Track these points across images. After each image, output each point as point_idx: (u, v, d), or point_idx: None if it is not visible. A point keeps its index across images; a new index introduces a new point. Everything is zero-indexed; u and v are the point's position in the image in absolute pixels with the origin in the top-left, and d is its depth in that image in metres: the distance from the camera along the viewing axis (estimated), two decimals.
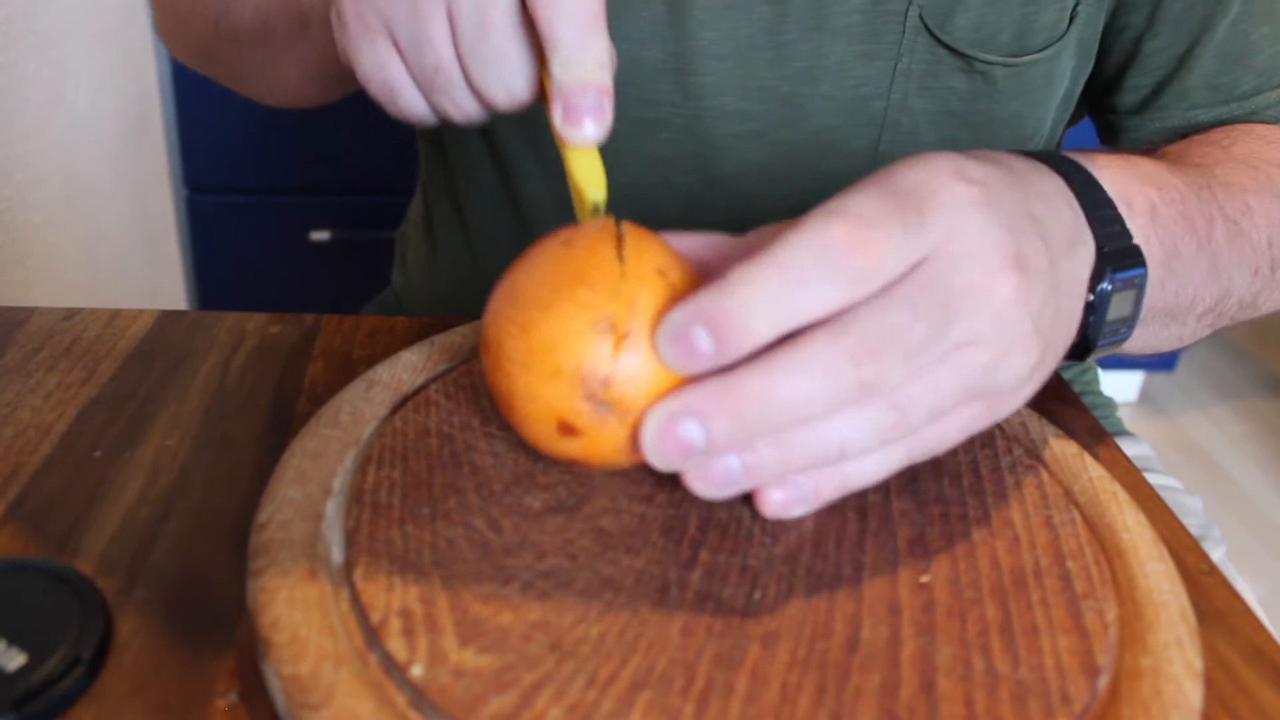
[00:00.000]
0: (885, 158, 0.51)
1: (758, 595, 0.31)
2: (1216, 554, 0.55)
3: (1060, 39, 0.50)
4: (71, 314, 0.47)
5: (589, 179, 0.36)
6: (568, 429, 0.30)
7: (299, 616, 0.28)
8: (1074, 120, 0.59)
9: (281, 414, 0.41)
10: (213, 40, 0.53)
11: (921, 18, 0.48)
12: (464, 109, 0.38)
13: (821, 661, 0.28)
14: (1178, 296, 0.39)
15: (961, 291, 0.26)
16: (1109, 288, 0.33)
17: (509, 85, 0.36)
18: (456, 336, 0.43)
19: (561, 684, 0.27)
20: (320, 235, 1.36)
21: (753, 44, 0.49)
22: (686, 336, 0.26)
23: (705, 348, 0.26)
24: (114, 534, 0.34)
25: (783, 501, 0.30)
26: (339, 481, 0.34)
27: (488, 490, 0.34)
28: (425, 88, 0.37)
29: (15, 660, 0.28)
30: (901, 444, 0.29)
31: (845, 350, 0.26)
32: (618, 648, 0.28)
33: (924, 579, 0.32)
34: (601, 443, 0.30)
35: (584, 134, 0.35)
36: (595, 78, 0.35)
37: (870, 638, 0.29)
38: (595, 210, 0.37)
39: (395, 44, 0.37)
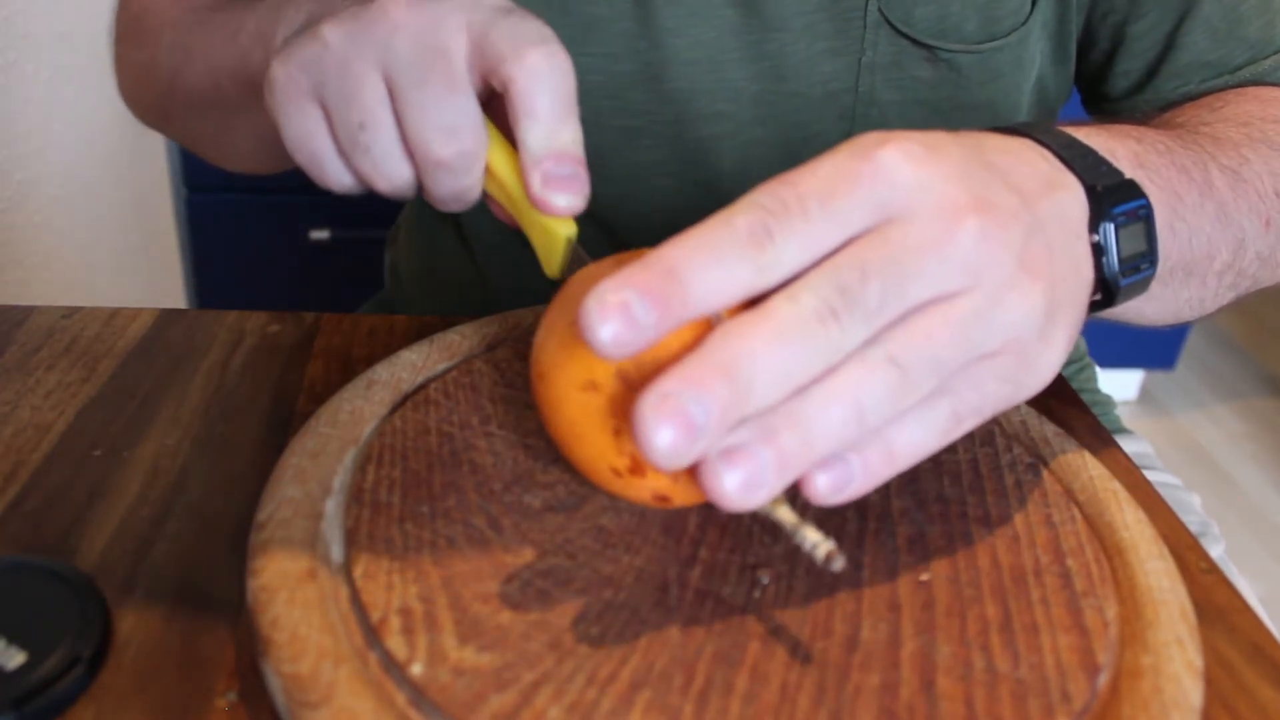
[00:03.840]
0: None
1: (757, 594, 0.31)
2: (1215, 551, 0.55)
3: (1025, 23, 0.50)
4: (71, 313, 0.47)
5: (555, 227, 0.36)
6: (626, 471, 0.29)
7: (299, 615, 0.28)
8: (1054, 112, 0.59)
9: (281, 413, 0.41)
10: (168, 102, 0.52)
11: (881, 11, 0.49)
12: (388, 172, 0.36)
13: (821, 660, 0.28)
14: (1192, 247, 0.38)
15: (914, 250, 0.25)
16: (1113, 225, 0.31)
17: (457, 133, 0.35)
18: (456, 335, 0.43)
19: (561, 683, 0.27)
20: (319, 234, 1.36)
21: (721, 47, 0.50)
22: (622, 306, 0.23)
23: (637, 315, 0.23)
24: (114, 533, 0.34)
25: (830, 484, 0.26)
26: (339, 480, 0.34)
27: (487, 489, 0.34)
28: (348, 148, 0.36)
29: (15, 659, 0.28)
30: (942, 403, 0.27)
31: (806, 308, 0.25)
32: (617, 646, 0.28)
33: (924, 577, 0.32)
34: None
35: (564, 204, 0.34)
36: (574, 147, 0.35)
37: (870, 636, 0.29)
38: (569, 243, 0.37)
39: (324, 110, 0.36)
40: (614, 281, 0.24)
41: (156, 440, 0.39)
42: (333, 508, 0.33)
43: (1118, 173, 0.33)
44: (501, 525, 0.33)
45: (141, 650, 0.30)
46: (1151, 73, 0.51)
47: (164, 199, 1.35)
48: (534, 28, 0.35)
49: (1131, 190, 0.33)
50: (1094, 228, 0.31)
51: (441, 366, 0.41)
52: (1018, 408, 0.41)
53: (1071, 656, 0.29)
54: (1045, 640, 0.30)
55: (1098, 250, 0.32)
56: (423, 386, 0.40)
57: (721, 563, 0.32)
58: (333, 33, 0.35)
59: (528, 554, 0.31)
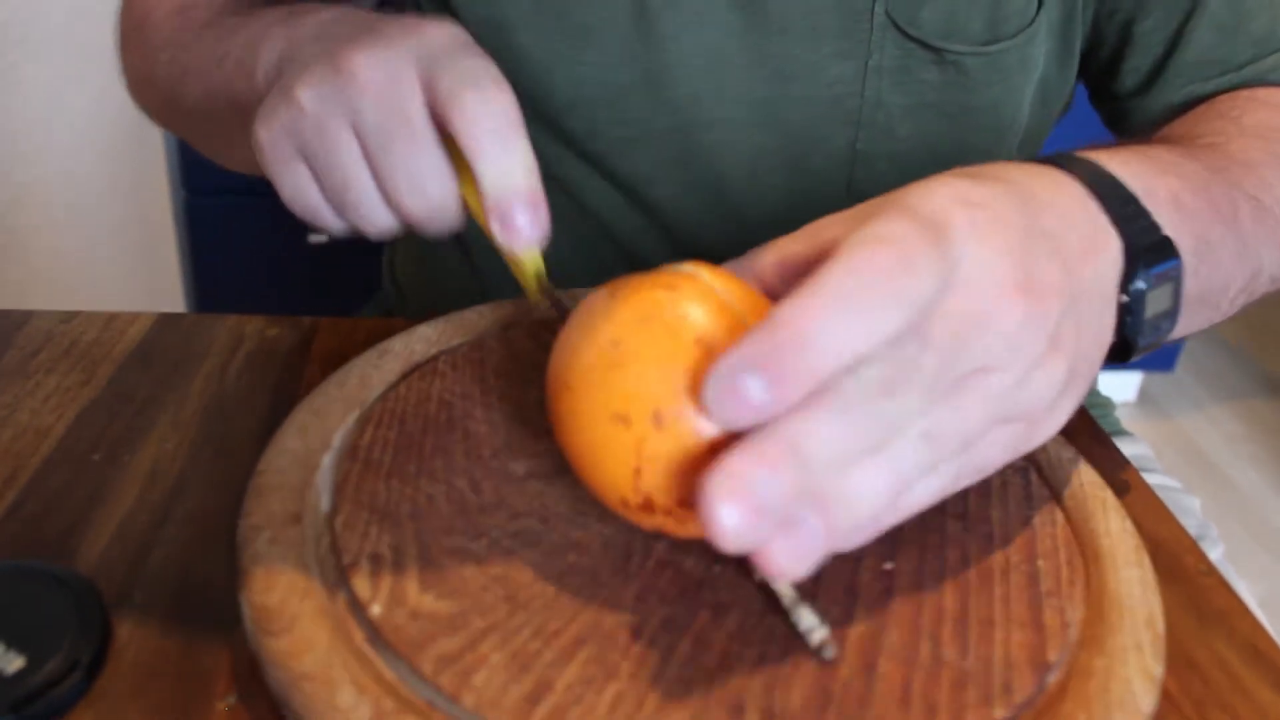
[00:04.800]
0: (863, 154, 0.52)
1: (717, 568, 0.31)
2: (1214, 554, 0.54)
3: (1031, 24, 0.50)
4: (70, 316, 0.47)
5: (522, 262, 0.37)
6: (636, 507, 0.29)
7: (277, 553, 0.30)
8: (1062, 112, 0.58)
9: (279, 416, 0.39)
10: (170, 112, 0.54)
11: (888, 13, 0.49)
12: (375, 222, 0.38)
13: (767, 635, 0.29)
14: (1210, 282, 0.38)
15: (970, 319, 0.26)
16: (1144, 286, 0.32)
17: (424, 190, 0.36)
18: (474, 314, 0.45)
19: (509, 633, 0.28)
20: (318, 237, 1.34)
21: (723, 51, 0.50)
22: (737, 387, 0.24)
23: (758, 397, 0.24)
24: (112, 537, 0.34)
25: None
26: (339, 438, 0.36)
27: (476, 454, 0.36)
28: (336, 204, 0.38)
29: (14, 663, 0.28)
30: (949, 466, 0.27)
31: (871, 383, 0.25)
32: (570, 605, 0.29)
33: (887, 566, 0.32)
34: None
35: (522, 244, 0.35)
36: (525, 183, 0.35)
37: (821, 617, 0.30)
38: (538, 278, 0.37)
39: (311, 167, 0.37)
40: (738, 360, 0.24)
41: (155, 444, 0.39)
42: (329, 462, 0.35)
43: (1156, 228, 0.33)
44: (482, 488, 0.34)
45: (140, 654, 0.30)
46: (1158, 70, 0.51)
47: (163, 201, 1.34)
48: (469, 67, 0.36)
49: (1166, 250, 0.33)
50: (1124, 287, 0.32)
51: (455, 342, 0.43)
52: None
53: (1021, 652, 0.29)
54: (998, 635, 0.30)
55: (1124, 309, 0.32)
56: (433, 358, 0.42)
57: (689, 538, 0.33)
58: (305, 96, 0.36)
59: (501, 515, 0.33)
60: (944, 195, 0.27)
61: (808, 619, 0.27)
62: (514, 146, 0.35)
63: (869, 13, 0.49)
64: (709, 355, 0.27)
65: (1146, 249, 0.32)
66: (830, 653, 0.27)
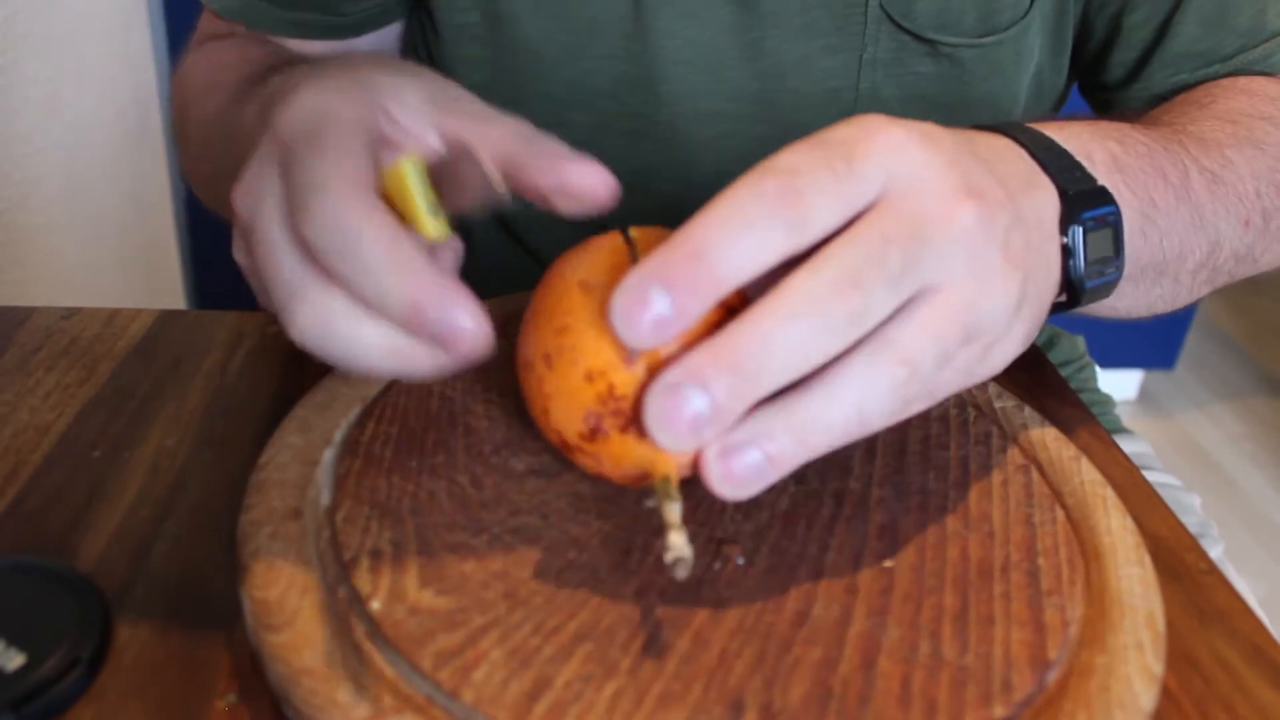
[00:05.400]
0: None
1: (718, 565, 0.31)
2: (1214, 552, 0.54)
3: (1025, 16, 0.50)
4: (70, 314, 0.47)
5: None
6: (560, 447, 0.31)
7: (278, 548, 0.30)
8: (1058, 105, 0.58)
9: (281, 413, 0.39)
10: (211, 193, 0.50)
11: (882, 6, 0.49)
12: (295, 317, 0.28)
13: (767, 632, 0.29)
14: (1163, 249, 0.38)
15: (925, 220, 0.26)
16: (1081, 229, 0.32)
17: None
18: None
19: (509, 629, 0.28)
20: None
21: (718, 46, 0.50)
22: (642, 301, 0.24)
23: (663, 309, 0.24)
24: (113, 534, 0.34)
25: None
26: (340, 433, 0.36)
27: (477, 450, 0.36)
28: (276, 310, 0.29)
29: (14, 660, 0.28)
30: (911, 389, 0.27)
31: (827, 281, 0.25)
32: (570, 601, 0.30)
33: (887, 564, 0.32)
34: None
35: (474, 345, 0.27)
36: (420, 296, 0.27)
37: (821, 614, 0.30)
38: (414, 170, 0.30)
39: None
40: (640, 274, 0.24)
41: (156, 441, 0.39)
42: (330, 457, 0.35)
43: (1090, 178, 0.33)
44: (483, 484, 0.34)
45: (141, 651, 0.30)
46: (1144, 61, 0.51)
47: (164, 199, 1.33)
48: (304, 171, 0.29)
49: (1102, 196, 0.33)
50: (1064, 230, 0.32)
51: None
52: (1021, 409, 0.41)
53: (1022, 650, 0.29)
54: (998, 633, 0.30)
55: (1066, 252, 0.32)
56: None
57: (689, 535, 0.32)
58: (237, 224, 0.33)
59: (502, 511, 0.33)
60: (872, 119, 0.27)
61: (674, 537, 0.26)
62: (363, 258, 0.26)
63: (862, 6, 0.49)
64: (589, 294, 0.29)
65: (1080, 194, 0.32)
66: (682, 572, 0.26)
